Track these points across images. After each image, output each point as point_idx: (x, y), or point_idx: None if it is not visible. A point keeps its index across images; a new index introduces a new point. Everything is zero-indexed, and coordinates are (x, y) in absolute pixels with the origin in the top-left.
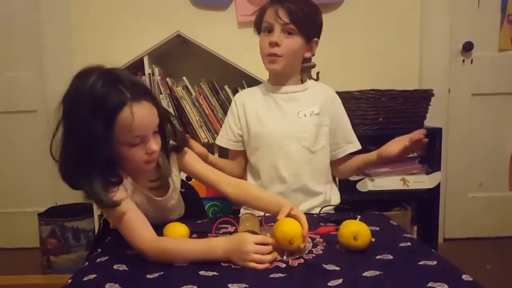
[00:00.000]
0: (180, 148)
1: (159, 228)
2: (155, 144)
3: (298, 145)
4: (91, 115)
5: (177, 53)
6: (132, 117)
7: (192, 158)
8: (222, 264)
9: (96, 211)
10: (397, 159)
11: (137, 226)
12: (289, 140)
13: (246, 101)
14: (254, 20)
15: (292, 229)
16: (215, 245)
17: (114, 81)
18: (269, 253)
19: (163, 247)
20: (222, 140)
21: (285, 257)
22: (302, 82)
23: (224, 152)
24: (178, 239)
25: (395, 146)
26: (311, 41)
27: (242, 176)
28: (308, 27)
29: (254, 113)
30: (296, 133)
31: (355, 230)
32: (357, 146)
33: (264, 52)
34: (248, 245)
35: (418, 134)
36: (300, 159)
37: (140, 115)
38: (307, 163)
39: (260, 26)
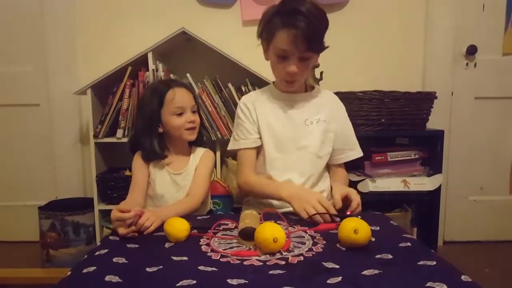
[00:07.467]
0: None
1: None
2: (193, 117)
3: (305, 151)
4: (152, 98)
5: (181, 50)
6: (174, 94)
7: (206, 160)
8: (221, 260)
9: (97, 206)
10: None
11: (132, 187)
12: (296, 147)
13: (256, 103)
14: (260, 28)
15: (275, 229)
16: None
17: (164, 80)
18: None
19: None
20: (247, 142)
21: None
22: (306, 85)
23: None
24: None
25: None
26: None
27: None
28: (322, 44)
29: (264, 118)
30: (303, 140)
31: (356, 225)
32: (359, 153)
33: (280, 76)
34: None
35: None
36: (308, 165)
37: (179, 93)
38: (314, 168)
39: (266, 38)
